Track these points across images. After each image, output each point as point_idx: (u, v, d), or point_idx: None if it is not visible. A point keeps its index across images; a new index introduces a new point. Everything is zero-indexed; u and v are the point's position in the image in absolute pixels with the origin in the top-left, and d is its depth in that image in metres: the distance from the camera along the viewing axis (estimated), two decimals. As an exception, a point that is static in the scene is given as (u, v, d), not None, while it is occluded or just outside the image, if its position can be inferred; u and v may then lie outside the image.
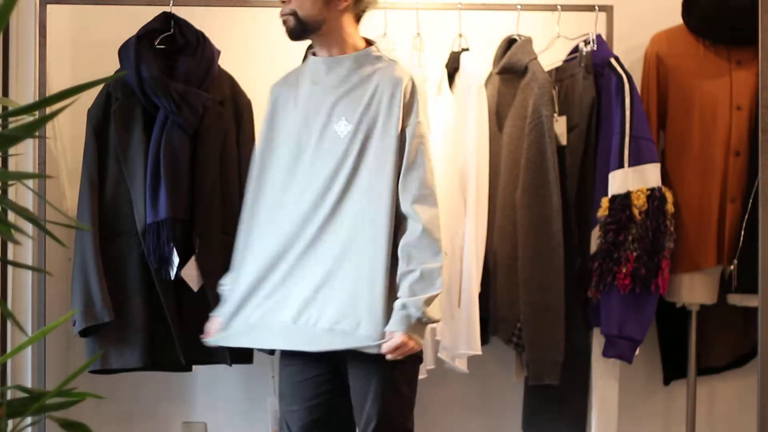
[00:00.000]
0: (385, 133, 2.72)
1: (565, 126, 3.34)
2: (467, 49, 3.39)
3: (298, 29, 2.76)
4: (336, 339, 2.70)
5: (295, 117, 2.81)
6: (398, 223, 2.73)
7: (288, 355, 2.84)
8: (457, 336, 3.17)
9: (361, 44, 2.84)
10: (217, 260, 3.29)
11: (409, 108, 2.73)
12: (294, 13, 2.73)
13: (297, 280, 2.76)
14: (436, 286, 2.69)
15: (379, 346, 2.66)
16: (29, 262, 3.36)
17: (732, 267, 3.33)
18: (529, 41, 3.38)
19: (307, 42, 2.90)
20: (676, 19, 3.50)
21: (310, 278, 2.74)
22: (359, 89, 2.76)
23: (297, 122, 2.81)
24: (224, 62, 3.40)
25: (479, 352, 3.18)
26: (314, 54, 2.87)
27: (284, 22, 2.76)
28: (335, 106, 2.76)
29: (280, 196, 2.81)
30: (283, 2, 2.76)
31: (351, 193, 2.72)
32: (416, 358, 2.78)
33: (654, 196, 3.24)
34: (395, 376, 2.73)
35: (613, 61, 3.32)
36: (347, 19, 2.81)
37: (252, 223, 2.88)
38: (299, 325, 2.73)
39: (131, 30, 3.31)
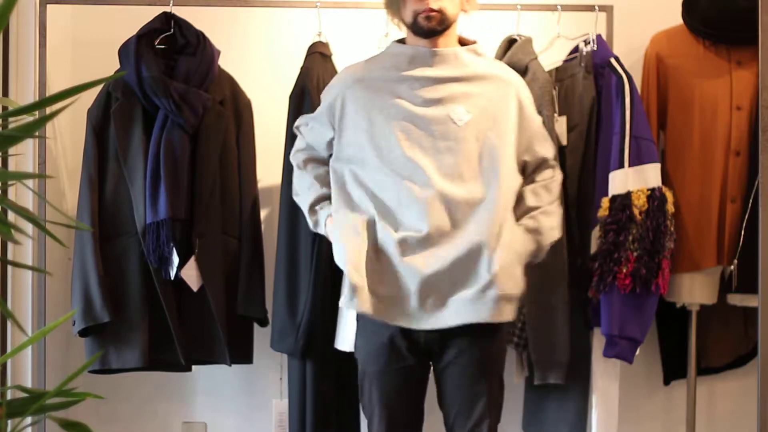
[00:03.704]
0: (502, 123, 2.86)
1: (565, 126, 3.34)
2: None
3: (440, 26, 2.82)
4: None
5: (404, 103, 2.83)
6: None
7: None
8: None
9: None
10: (217, 260, 3.29)
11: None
12: (442, 11, 2.80)
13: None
14: None
15: None
16: (29, 262, 3.36)
17: (732, 267, 3.33)
18: (529, 41, 3.38)
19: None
20: (676, 19, 3.50)
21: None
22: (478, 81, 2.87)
23: (407, 108, 2.82)
24: (224, 62, 3.40)
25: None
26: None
27: (429, 18, 2.80)
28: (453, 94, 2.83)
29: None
30: None
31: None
32: None
33: (654, 196, 3.24)
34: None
35: (613, 61, 3.32)
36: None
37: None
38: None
39: (131, 30, 3.31)
